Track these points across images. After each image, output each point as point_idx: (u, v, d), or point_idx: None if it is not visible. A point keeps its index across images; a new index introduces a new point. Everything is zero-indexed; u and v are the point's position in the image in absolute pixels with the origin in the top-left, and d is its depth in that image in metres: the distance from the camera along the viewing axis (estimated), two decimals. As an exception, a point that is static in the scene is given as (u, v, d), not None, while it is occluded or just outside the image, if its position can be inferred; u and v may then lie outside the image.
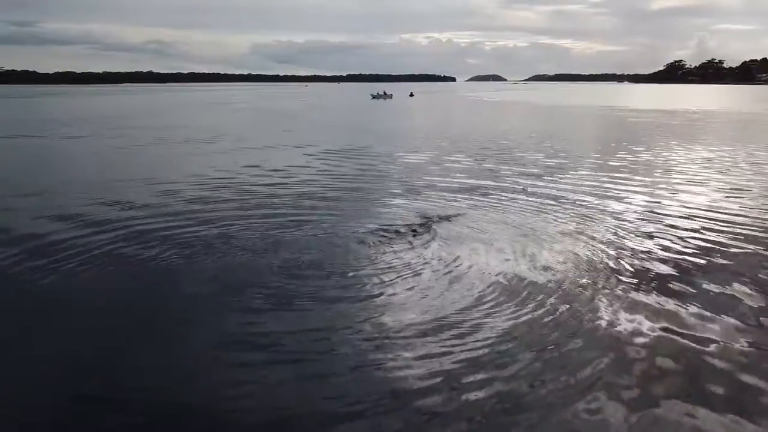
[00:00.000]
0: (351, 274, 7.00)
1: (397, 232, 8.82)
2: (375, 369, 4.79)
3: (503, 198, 11.38)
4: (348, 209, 10.53)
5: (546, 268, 7.15)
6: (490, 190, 12.21)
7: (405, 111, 50.87)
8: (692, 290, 6.47)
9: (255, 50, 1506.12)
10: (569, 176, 13.97)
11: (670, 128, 29.66)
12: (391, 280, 6.77)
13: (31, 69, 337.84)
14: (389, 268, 7.20)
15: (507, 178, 13.69)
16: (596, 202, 11.02)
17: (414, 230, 8.92)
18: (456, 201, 11.06)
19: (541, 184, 12.92)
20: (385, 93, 79.80)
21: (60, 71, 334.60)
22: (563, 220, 9.59)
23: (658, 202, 11.00)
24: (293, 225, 9.36)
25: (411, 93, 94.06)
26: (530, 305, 6.00)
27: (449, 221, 9.47)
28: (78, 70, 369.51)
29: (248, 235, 8.78)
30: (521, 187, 12.55)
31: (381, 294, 6.37)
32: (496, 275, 6.91)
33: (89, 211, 10.45)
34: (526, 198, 11.37)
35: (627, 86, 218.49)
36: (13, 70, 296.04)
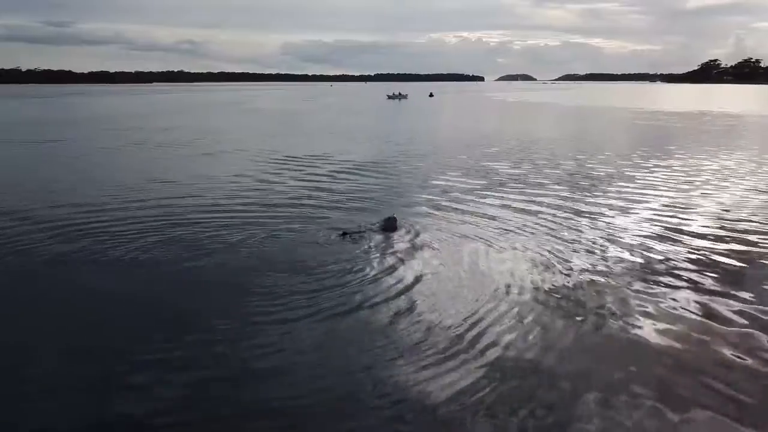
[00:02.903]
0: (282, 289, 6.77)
1: (345, 239, 8.72)
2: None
3: (462, 210, 10.80)
4: (285, 217, 10.19)
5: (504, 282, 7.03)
6: (444, 199, 11.52)
7: (412, 112, 50.07)
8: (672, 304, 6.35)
9: (285, 50, 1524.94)
10: (551, 185, 13.07)
11: (672, 132, 28.24)
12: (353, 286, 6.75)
13: (66, 68, 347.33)
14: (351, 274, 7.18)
15: (472, 187, 12.88)
16: (567, 213, 10.32)
17: (347, 234, 8.86)
18: (410, 211, 10.23)
19: (512, 194, 12.10)
20: (400, 93, 79.30)
21: (94, 71, 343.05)
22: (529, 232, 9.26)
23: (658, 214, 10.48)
24: (207, 232, 9.25)
25: (431, 93, 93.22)
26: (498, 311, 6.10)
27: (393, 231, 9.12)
28: (111, 70, 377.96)
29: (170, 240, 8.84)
30: (491, 197, 11.98)
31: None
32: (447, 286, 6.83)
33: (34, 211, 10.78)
34: (492, 209, 10.85)
35: (658, 86, 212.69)
36: (49, 70, 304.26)
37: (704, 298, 6.46)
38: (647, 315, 5.98)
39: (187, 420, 4.29)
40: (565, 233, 9.11)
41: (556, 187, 13.31)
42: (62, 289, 6.96)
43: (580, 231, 9.28)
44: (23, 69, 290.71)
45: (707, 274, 7.27)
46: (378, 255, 7.91)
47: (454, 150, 20.59)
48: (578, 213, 10.57)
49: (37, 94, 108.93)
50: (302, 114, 47.77)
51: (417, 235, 8.93)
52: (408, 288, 6.69)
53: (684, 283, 6.93)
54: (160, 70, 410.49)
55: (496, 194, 12.38)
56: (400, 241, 8.61)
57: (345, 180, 14.32)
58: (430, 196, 12.12)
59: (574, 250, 8.18)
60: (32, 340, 5.57)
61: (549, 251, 8.11)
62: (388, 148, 21.28)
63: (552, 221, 9.90)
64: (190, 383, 4.71)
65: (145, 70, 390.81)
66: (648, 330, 5.63)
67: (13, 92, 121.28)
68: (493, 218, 10.13)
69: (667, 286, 6.83)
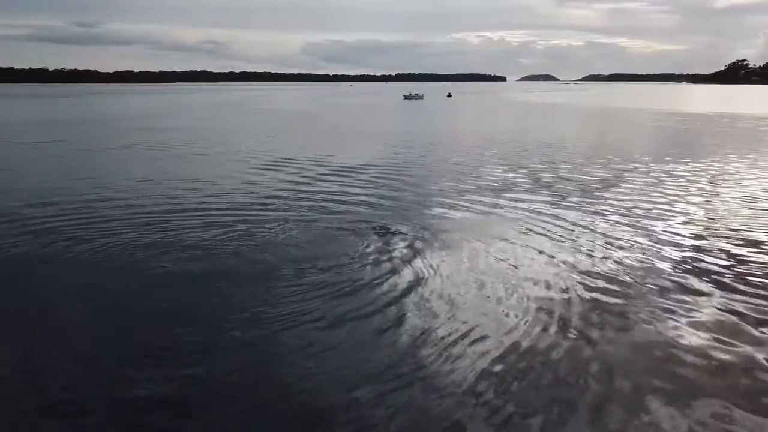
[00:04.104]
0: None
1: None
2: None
3: (461, 212, 10.65)
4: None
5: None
6: (422, 204, 10.94)
7: (423, 113, 49.33)
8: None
9: (306, 50, 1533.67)
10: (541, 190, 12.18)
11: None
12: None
13: (93, 68, 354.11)
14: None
15: (467, 190, 12.40)
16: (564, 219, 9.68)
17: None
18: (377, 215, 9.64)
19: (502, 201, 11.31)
20: (416, 94, 78.76)
21: (119, 70, 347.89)
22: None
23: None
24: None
25: (449, 94, 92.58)
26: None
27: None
28: (136, 69, 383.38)
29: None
30: (477, 200, 11.52)
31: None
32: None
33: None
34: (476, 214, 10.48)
35: (683, 87, 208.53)
36: (75, 69, 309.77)
37: (733, 303, 6.29)
38: (672, 321, 5.82)
39: (187, 415, 4.30)
40: (567, 238, 8.86)
41: (560, 189, 12.78)
42: (52, 289, 6.79)
43: (583, 236, 8.96)
44: (50, 69, 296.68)
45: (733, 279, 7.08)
46: (388, 256, 7.88)
47: (454, 152, 19.83)
48: (586, 218, 10.18)
49: (61, 93, 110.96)
50: (311, 116, 47.16)
51: (421, 239, 8.72)
52: (412, 291, 6.62)
53: (709, 291, 6.64)
54: (184, 70, 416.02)
55: (495, 197, 11.98)
56: (407, 243, 8.50)
57: (336, 182, 13.86)
58: (427, 199, 11.86)
59: (578, 256, 7.90)
60: (26, 338, 5.55)
61: (551, 253, 8.06)
62: (386, 151, 20.55)
63: (550, 223, 9.69)
64: (189, 380, 4.72)
65: (169, 70, 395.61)
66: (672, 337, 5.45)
67: (38, 92, 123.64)
68: (496, 221, 10.00)
69: (687, 292, 6.60)
